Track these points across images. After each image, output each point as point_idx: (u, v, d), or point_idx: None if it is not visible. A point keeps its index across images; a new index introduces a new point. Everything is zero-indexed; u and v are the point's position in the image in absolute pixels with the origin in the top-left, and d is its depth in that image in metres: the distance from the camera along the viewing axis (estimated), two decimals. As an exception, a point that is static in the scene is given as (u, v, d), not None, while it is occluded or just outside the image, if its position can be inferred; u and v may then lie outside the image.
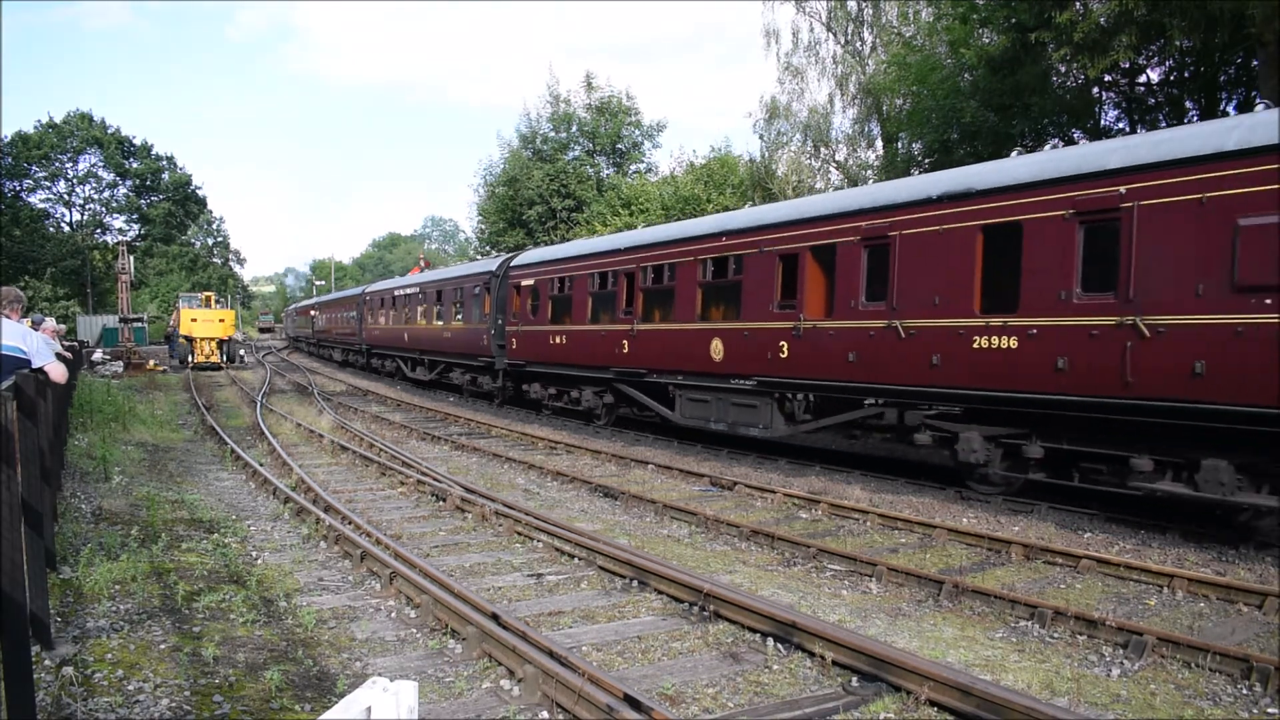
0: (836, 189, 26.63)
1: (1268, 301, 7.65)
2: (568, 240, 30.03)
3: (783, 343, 12.75)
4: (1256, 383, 7.72)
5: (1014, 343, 9.70)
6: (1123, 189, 8.78)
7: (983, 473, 10.59)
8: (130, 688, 4.80)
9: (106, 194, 67.16)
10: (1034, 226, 9.57)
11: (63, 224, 65.25)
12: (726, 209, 29.06)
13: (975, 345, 10.07)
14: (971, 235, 10.22)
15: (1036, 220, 9.55)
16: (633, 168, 39.17)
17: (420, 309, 27.56)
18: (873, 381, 11.45)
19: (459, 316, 24.17)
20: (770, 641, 5.91)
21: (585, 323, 17.82)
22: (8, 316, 6.44)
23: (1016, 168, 10.28)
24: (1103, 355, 8.86)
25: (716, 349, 14.10)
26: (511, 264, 21.51)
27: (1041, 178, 9.63)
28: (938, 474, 12.07)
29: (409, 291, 29.15)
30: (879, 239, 11.37)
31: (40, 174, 63.01)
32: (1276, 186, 7.65)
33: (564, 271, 18.88)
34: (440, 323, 25.68)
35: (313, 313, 52.17)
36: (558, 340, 18.70)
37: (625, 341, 16.36)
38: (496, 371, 22.02)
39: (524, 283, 20.39)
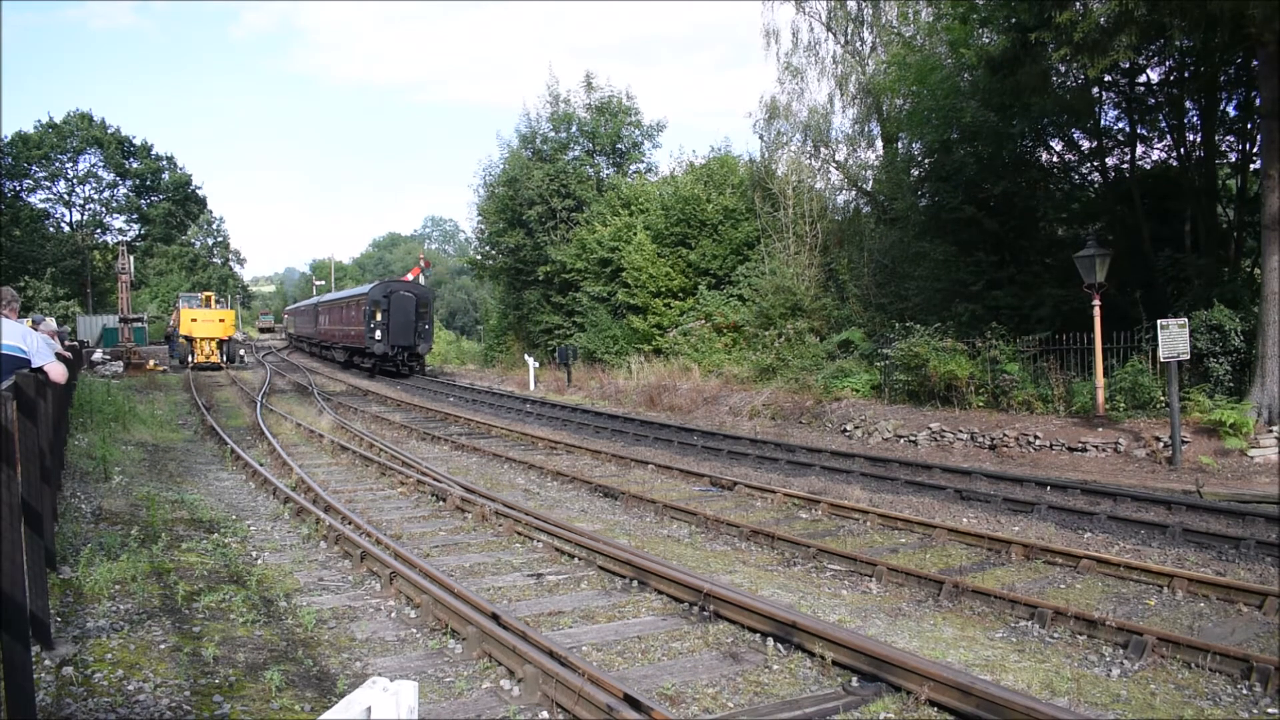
0: (845, 189, 29.32)
1: (354, 314, 36.63)
2: (568, 240, 35.90)
3: (342, 331, 38.71)
4: (358, 339, 35.26)
5: (354, 332, 36.08)
6: (368, 301, 34.29)
7: (374, 367, 34.19)
8: (130, 688, 4.79)
9: (106, 194, 66.89)
10: (353, 306, 36.99)
11: (63, 224, 64.99)
12: (725, 208, 29.33)
13: (349, 332, 37.22)
14: (350, 309, 37.53)
15: (353, 306, 36.81)
16: (632, 168, 39.05)
17: (308, 318, 52.31)
18: (349, 344, 37.21)
19: (310, 321, 49.93)
20: (770, 641, 5.91)
21: (325, 326, 43.06)
22: (6, 316, 6.44)
23: (360, 290, 38.74)
24: (354, 335, 36.24)
25: (341, 335, 38.58)
26: (319, 301, 47.99)
27: (351, 295, 39.57)
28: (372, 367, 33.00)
29: (303, 308, 57.20)
30: (349, 308, 37.98)
31: (40, 174, 62.75)
32: (379, 308, 33.36)
33: (322, 308, 44.92)
34: (311, 326, 49.56)
35: (285, 316, 77.99)
36: (323, 332, 43.87)
37: (334, 332, 40.55)
38: (316, 344, 46.66)
39: (319, 309, 45.83)
